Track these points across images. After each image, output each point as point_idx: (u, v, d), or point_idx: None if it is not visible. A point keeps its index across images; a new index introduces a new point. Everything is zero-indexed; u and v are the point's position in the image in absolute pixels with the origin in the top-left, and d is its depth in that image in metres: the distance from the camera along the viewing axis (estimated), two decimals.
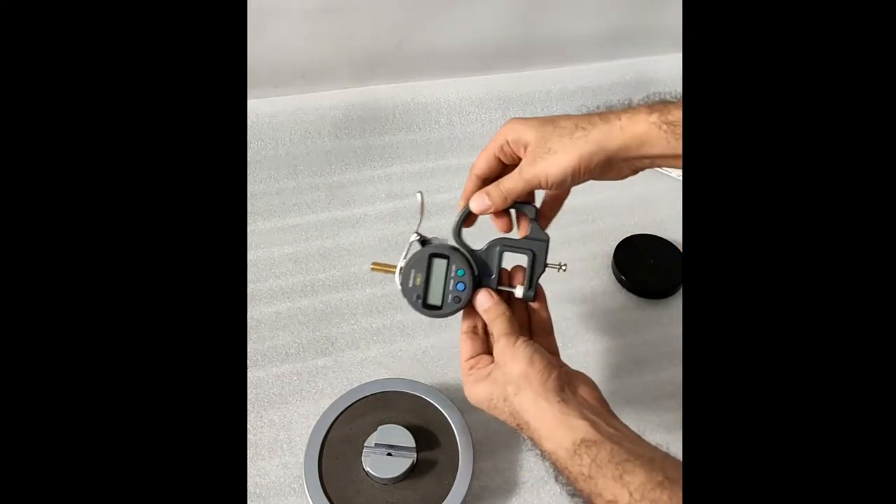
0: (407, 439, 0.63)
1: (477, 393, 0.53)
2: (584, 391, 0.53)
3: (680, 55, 0.99)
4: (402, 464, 0.62)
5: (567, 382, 0.52)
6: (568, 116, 0.55)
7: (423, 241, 0.58)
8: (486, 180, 0.58)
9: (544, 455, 0.50)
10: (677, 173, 0.93)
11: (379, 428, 0.64)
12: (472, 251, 0.58)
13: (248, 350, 0.73)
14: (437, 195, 0.89)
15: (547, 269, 0.58)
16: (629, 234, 0.84)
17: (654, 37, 1.02)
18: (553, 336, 0.59)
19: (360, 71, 0.94)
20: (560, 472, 0.49)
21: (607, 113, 0.54)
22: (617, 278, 0.82)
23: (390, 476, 0.62)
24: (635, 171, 0.55)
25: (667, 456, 0.47)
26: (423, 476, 0.64)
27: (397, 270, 0.57)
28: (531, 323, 0.58)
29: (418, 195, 0.59)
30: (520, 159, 0.56)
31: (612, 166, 0.54)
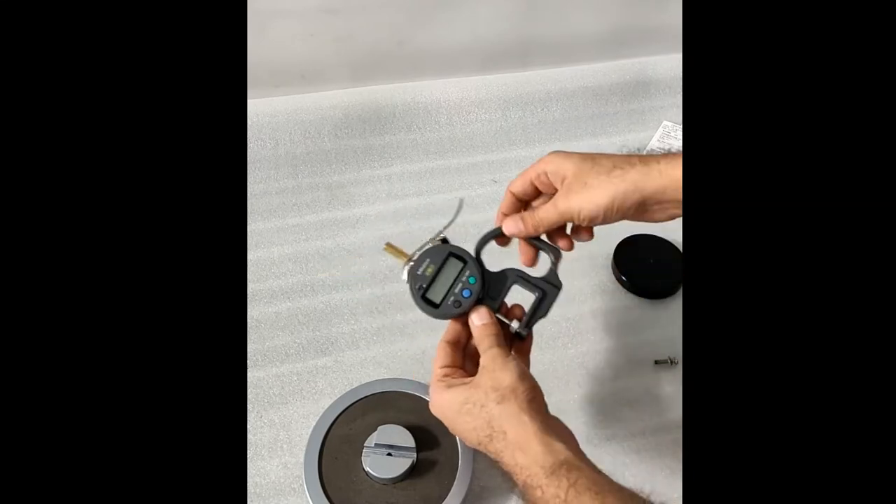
0: (407, 439, 0.63)
1: (449, 397, 0.52)
2: (560, 427, 0.52)
3: (680, 55, 0.99)
4: (402, 464, 0.62)
5: (548, 413, 0.51)
6: (609, 155, 0.55)
7: (444, 242, 0.58)
8: (521, 201, 0.59)
9: (511, 469, 0.49)
10: None
11: (379, 428, 0.64)
12: (486, 270, 0.57)
13: (248, 350, 0.73)
14: (436, 195, 0.89)
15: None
16: (629, 234, 0.84)
17: (654, 37, 1.02)
18: None
19: (360, 71, 0.94)
20: (527, 490, 0.48)
21: (647, 157, 0.54)
22: (617, 278, 0.82)
23: (390, 476, 0.62)
24: (671, 217, 0.55)
25: (645, 500, 0.47)
26: (423, 476, 0.64)
27: (407, 259, 0.57)
28: None
29: (459, 200, 0.60)
30: (555, 190, 0.56)
31: (647, 208, 0.54)
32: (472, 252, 0.58)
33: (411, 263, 0.57)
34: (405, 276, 0.56)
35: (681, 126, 0.98)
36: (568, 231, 0.59)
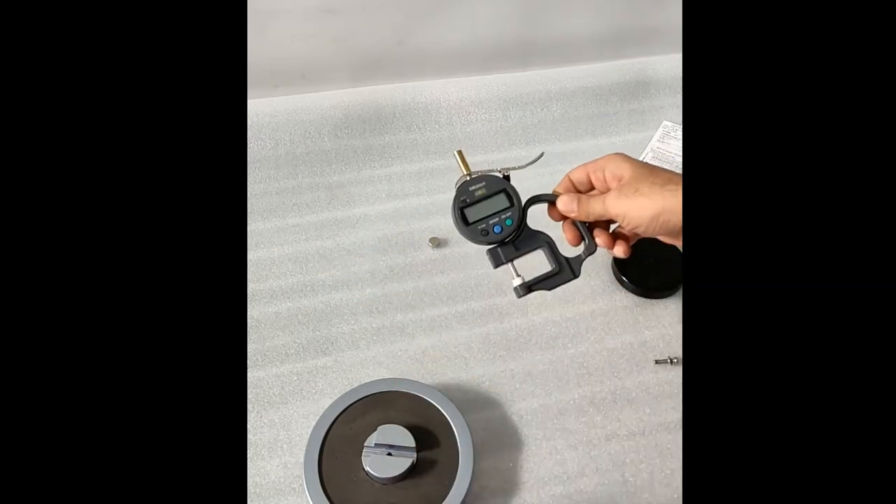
0: (407, 439, 0.63)
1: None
2: None
3: (680, 55, 0.99)
4: (402, 464, 0.62)
5: None
6: (667, 171, 0.57)
7: (506, 178, 0.60)
8: (575, 189, 0.62)
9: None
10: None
11: (379, 428, 0.64)
12: (525, 222, 0.60)
13: (248, 350, 0.73)
14: (437, 195, 0.89)
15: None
16: None
17: (654, 37, 1.02)
18: None
19: (360, 71, 0.94)
20: None
21: None
22: (617, 278, 0.82)
23: (390, 476, 0.62)
24: None
25: None
26: (423, 476, 0.63)
27: (466, 173, 0.60)
28: None
29: (541, 153, 0.64)
30: (607, 188, 0.59)
31: None
32: (524, 202, 0.60)
33: (468, 178, 0.59)
34: (456, 184, 0.59)
35: (681, 126, 0.98)
36: (610, 230, 0.62)
